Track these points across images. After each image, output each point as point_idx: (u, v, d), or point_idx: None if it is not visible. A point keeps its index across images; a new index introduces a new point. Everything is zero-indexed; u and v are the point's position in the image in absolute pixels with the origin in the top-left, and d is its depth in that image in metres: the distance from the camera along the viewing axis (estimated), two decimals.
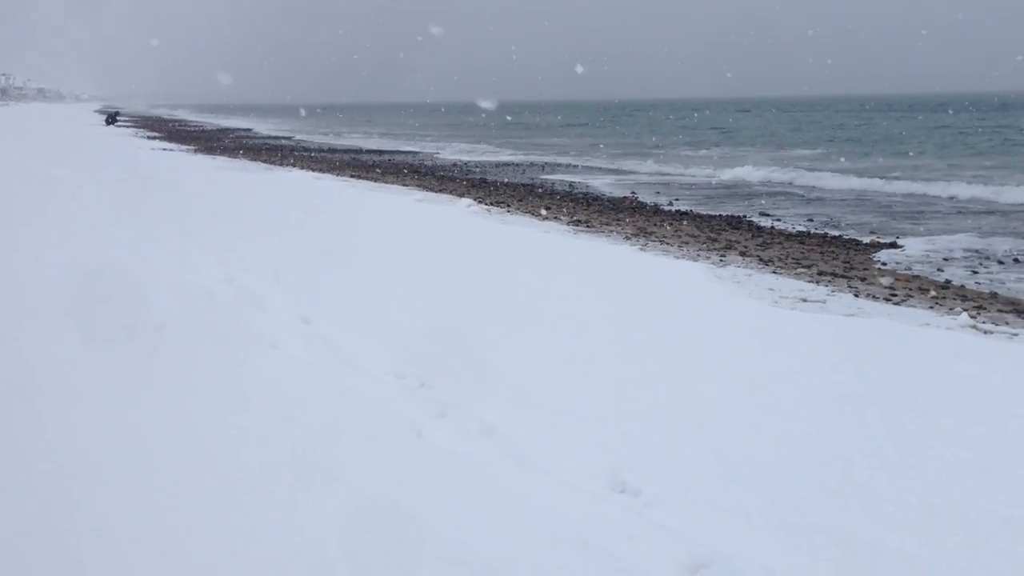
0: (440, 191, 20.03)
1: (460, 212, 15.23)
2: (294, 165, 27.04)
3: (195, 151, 33.45)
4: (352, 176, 23.67)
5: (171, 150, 33.12)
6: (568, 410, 4.97)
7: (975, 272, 11.50)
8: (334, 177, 22.82)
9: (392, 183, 21.98)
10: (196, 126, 67.98)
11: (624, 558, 3.31)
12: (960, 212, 18.29)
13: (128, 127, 56.98)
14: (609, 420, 4.83)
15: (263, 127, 69.73)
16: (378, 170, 27.00)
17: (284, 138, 52.17)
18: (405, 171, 26.97)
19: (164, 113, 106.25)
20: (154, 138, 43.63)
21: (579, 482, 4.07)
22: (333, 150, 39.91)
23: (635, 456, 4.35)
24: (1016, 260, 12.31)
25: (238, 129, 64.70)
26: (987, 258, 12.58)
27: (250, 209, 14.46)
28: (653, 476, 4.12)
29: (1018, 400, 5.38)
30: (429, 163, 32.16)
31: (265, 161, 28.65)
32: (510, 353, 6.16)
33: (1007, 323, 8.50)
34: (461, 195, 18.80)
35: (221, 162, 27.04)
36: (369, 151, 40.29)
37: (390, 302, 7.67)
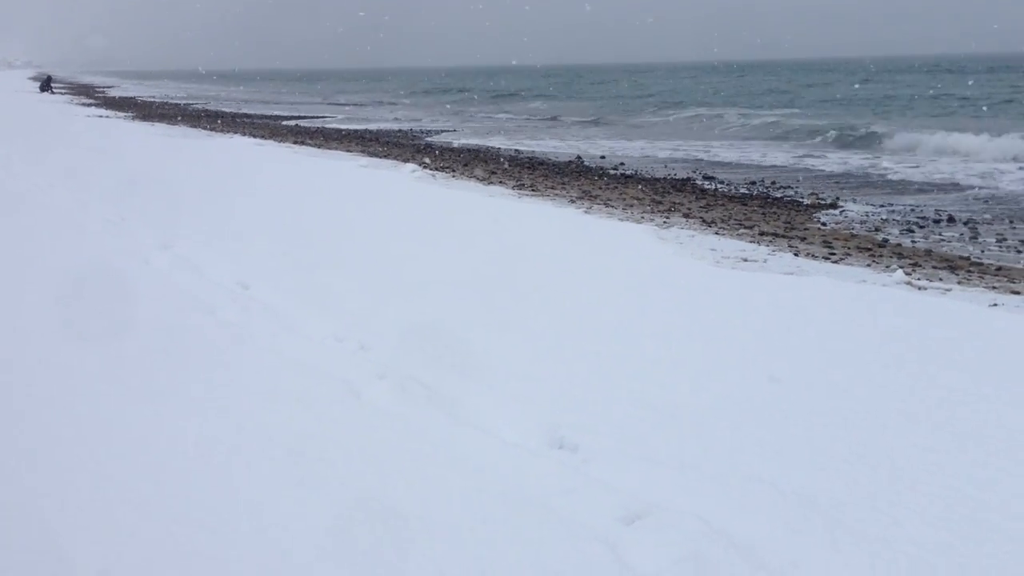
0: (385, 156, 19.82)
1: (404, 177, 15.09)
2: (236, 131, 26.51)
3: (132, 117, 32.63)
4: (295, 142, 23.30)
5: (107, 116, 32.27)
6: (508, 370, 4.96)
7: (911, 231, 11.72)
8: (276, 143, 22.44)
9: (336, 149, 21.69)
10: (159, 99, 66.30)
11: (560, 512, 3.33)
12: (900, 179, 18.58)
13: (64, 94, 55.34)
14: (549, 379, 4.83)
15: (202, 93, 68.23)
16: (321, 136, 26.61)
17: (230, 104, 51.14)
18: (351, 137, 26.62)
19: (100, 81, 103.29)
20: (90, 105, 42.45)
21: (517, 440, 4.07)
22: (277, 117, 39.22)
23: (574, 413, 4.36)
24: (951, 219, 12.57)
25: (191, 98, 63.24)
26: (924, 217, 12.83)
27: (187, 175, 14.16)
28: (591, 432, 4.13)
29: (952, 352, 5.49)
30: (374, 129, 31.75)
31: (206, 128, 28.06)
32: (449, 315, 6.13)
33: (940, 279, 8.69)
34: (406, 160, 18.62)
35: (159, 129, 26.42)
36: (313, 116, 39.67)
37: (331, 266, 7.58)
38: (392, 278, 7.21)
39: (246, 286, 6.79)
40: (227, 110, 44.00)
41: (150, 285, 6.53)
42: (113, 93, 64.23)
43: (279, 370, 4.84)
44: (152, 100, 55.08)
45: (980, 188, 15.91)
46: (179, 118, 33.39)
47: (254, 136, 24.74)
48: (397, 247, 8.55)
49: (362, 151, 21.26)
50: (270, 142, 22.77)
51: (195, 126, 28.86)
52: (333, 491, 3.41)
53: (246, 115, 39.99)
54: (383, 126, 33.19)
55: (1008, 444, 4.01)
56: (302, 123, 34.69)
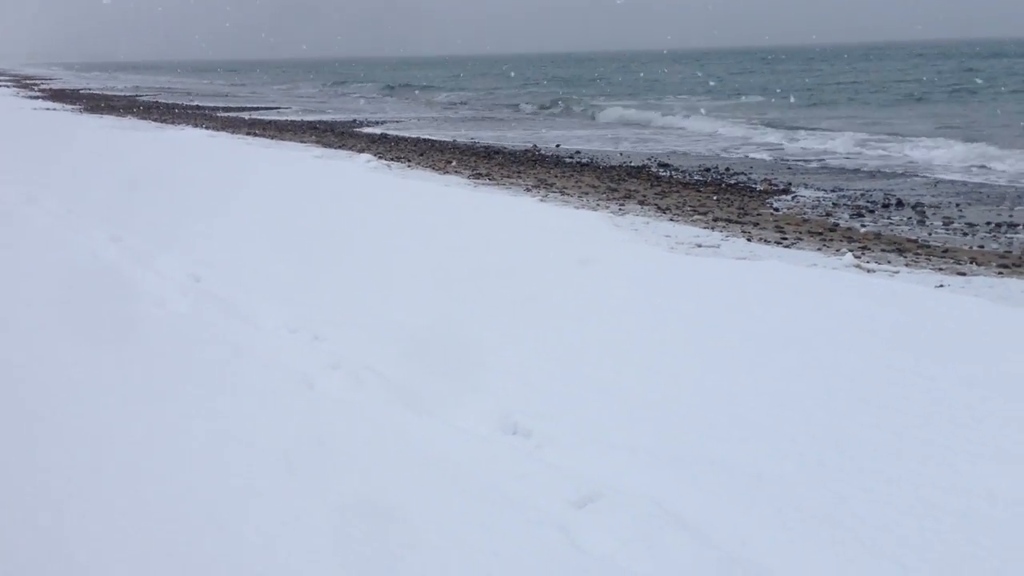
0: (340, 147, 19.66)
1: (359, 167, 14.99)
2: (188, 123, 26.14)
3: (80, 110, 32.02)
4: (248, 134, 23.04)
5: (54, 109, 31.63)
6: (461, 357, 4.97)
7: (861, 215, 11.90)
8: (229, 135, 22.16)
9: (290, 140, 21.48)
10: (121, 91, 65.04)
11: (513, 496, 3.34)
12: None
13: (8, 87, 54.11)
14: (503, 365, 4.85)
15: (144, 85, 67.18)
16: (275, 128, 26.33)
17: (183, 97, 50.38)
18: (305, 129, 26.37)
19: (44, 73, 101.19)
20: (36, 97, 41.57)
21: (471, 426, 4.09)
22: (229, 108, 38.72)
23: (528, 399, 4.38)
24: (899, 203, 12.78)
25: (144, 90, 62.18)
26: (873, 201, 13.04)
27: (137, 166, 13.94)
28: (545, 418, 4.15)
29: (899, 333, 5.59)
30: (328, 120, 31.47)
31: (156, 120, 27.62)
32: (404, 303, 6.12)
33: (889, 262, 8.84)
34: (361, 151, 18.49)
35: (108, 121, 25.96)
36: (267, 108, 39.21)
37: (283, 256, 7.52)
38: (347, 268, 7.17)
39: (198, 278, 6.71)
40: (178, 102, 43.34)
41: (97, 278, 6.42)
42: (58, 85, 62.95)
43: (230, 361, 4.80)
44: (100, 92, 54.08)
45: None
46: (128, 110, 32.82)
47: (206, 128, 24.41)
48: (352, 237, 8.51)
49: (316, 142, 21.08)
50: (223, 133, 22.48)
51: (145, 118, 28.41)
52: (282, 480, 3.39)
53: (197, 107, 39.42)
54: (338, 117, 32.91)
55: (951, 422, 4.11)
56: (255, 115, 34.27)
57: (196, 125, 25.10)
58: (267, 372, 4.67)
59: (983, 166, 16.61)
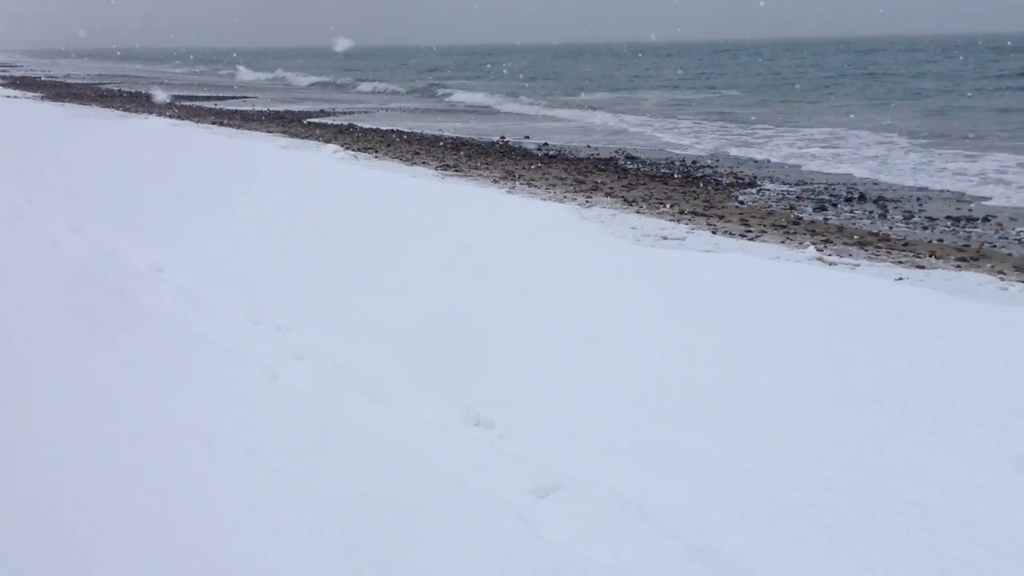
0: (306, 137, 19.53)
1: (325, 158, 14.90)
2: (152, 112, 25.81)
3: (42, 98, 31.52)
4: (214, 123, 22.80)
5: (15, 97, 31.11)
6: (425, 347, 4.97)
7: (824, 209, 12.04)
8: (194, 124, 21.92)
9: (256, 129, 21.29)
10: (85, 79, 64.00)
11: (475, 487, 3.36)
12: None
13: None
14: (465, 356, 4.86)
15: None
16: (240, 117, 26.08)
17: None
18: (271, 119, 26.15)
19: (5, 59, 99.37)
20: None
21: (434, 417, 4.10)
22: (195, 97, 38.28)
23: (491, 390, 4.40)
24: (862, 197, 12.94)
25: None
26: (836, 195, 13.19)
27: (99, 156, 13.75)
28: (508, 408, 4.18)
29: (858, 324, 5.67)
30: (296, 110, 31.22)
31: (120, 108, 27.25)
32: (368, 294, 6.11)
33: (850, 255, 8.96)
34: (328, 141, 18.38)
35: (71, 109, 25.58)
36: (232, 97, 38.80)
37: (248, 246, 7.47)
38: (310, 259, 7.14)
39: (160, 268, 6.65)
40: (142, 90, 42.79)
41: (58, 268, 6.34)
42: (18, 73, 61.89)
43: (193, 351, 4.77)
44: (63, 80, 53.23)
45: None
46: (92, 98, 32.35)
47: (170, 117, 24.12)
48: (317, 228, 8.46)
49: (282, 132, 20.92)
50: (187, 123, 22.23)
51: (108, 106, 28.01)
52: (243, 470, 3.38)
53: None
54: (305, 107, 32.64)
55: (904, 411, 4.18)
56: (220, 104, 33.91)
57: (160, 114, 24.79)
58: (229, 362, 4.64)
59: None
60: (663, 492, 3.41)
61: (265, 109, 31.13)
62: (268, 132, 20.59)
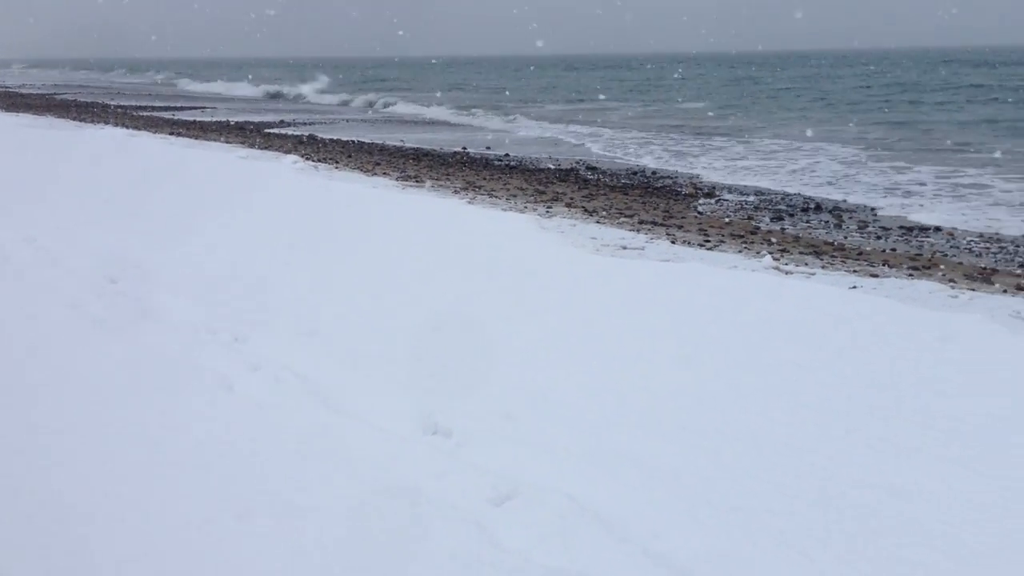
0: (265, 148, 19.40)
1: (285, 168, 14.80)
2: (108, 122, 25.48)
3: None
4: (171, 133, 22.56)
5: None
6: (383, 357, 4.96)
7: (781, 219, 12.20)
8: (151, 134, 21.68)
9: (215, 140, 21.11)
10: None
11: (432, 496, 3.36)
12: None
13: None
14: (423, 365, 4.86)
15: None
16: (198, 128, 25.84)
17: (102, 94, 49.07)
18: (230, 129, 25.94)
19: None
20: None
21: (391, 426, 4.09)
22: (153, 108, 37.86)
23: (448, 399, 4.40)
24: (818, 207, 13.14)
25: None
26: (793, 205, 13.38)
27: (52, 166, 13.55)
28: (465, 417, 4.18)
29: (812, 332, 5.75)
30: (256, 121, 30.99)
31: (75, 118, 26.86)
32: (327, 304, 6.09)
33: (806, 264, 9.08)
34: (287, 152, 18.28)
35: (25, 119, 25.16)
36: (191, 108, 38.41)
37: (205, 256, 7.40)
38: (267, 270, 7.09)
39: (114, 280, 6.56)
40: (99, 100, 42.23)
41: (8, 280, 6.24)
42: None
43: (147, 363, 4.71)
44: (16, 89, 52.40)
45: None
46: (47, 108, 31.86)
47: (127, 127, 23.83)
48: (275, 239, 8.41)
49: (241, 142, 20.75)
50: (144, 133, 21.98)
51: (63, 116, 27.59)
52: (199, 481, 3.35)
53: (119, 106, 38.44)
54: (264, 118, 32.42)
55: (855, 417, 4.25)
56: (178, 114, 33.58)
57: (116, 124, 24.48)
58: (185, 374, 4.59)
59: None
60: (620, 499, 3.43)
61: (224, 119, 30.88)
62: (227, 143, 20.42)
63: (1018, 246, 10.34)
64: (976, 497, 3.46)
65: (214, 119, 31.07)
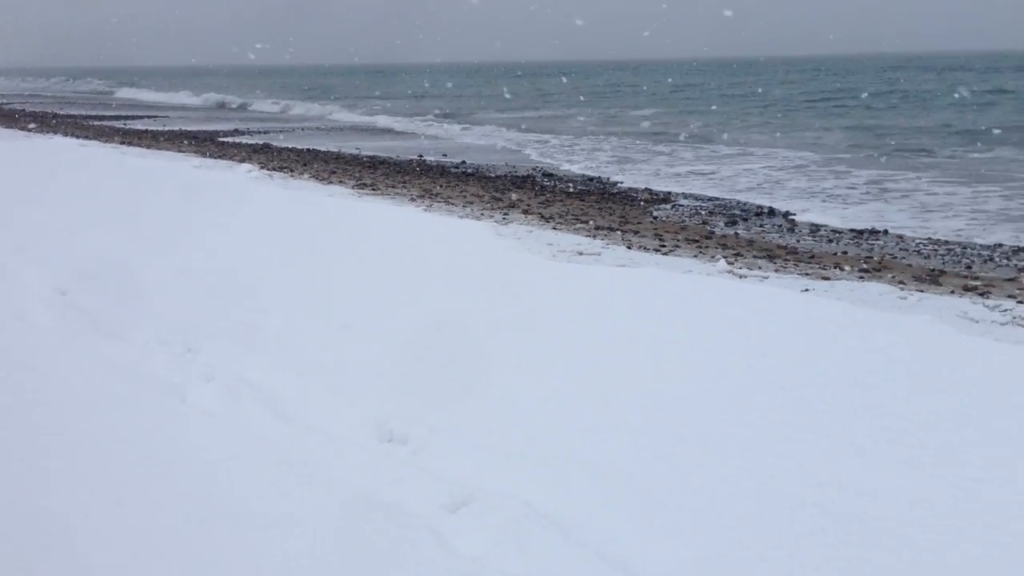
0: (220, 157, 19.22)
1: (240, 177, 14.67)
2: (58, 132, 25.06)
3: None
4: (123, 143, 22.25)
5: None
6: (339, 365, 4.93)
7: (735, 223, 12.35)
8: (101, 143, 21.37)
9: (167, 149, 20.86)
10: None
11: (387, 503, 3.34)
12: None
13: None
14: (379, 372, 4.84)
15: None
16: (150, 137, 25.51)
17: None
18: (183, 138, 25.64)
19: None
20: None
21: (346, 435, 4.06)
22: (103, 117, 37.30)
23: (404, 406, 4.38)
24: (771, 211, 13.32)
25: None
26: (746, 210, 13.55)
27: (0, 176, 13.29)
28: (421, 424, 4.17)
29: (764, 336, 5.82)
30: (210, 130, 30.65)
31: (23, 128, 26.38)
32: (279, 314, 6.03)
33: (759, 267, 9.19)
34: (242, 160, 18.11)
35: None
36: (143, 116, 37.91)
37: (158, 267, 7.30)
38: (220, 278, 7.01)
39: (63, 291, 6.45)
40: (49, 110, 41.53)
41: None
42: None
43: (98, 374, 4.64)
44: None
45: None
46: None
47: (77, 136, 23.47)
48: (227, 247, 8.32)
49: (195, 151, 20.53)
50: (94, 142, 21.66)
51: (11, 126, 27.09)
52: (152, 493, 3.30)
53: (70, 115, 37.82)
54: (218, 127, 32.09)
55: (805, 417, 4.31)
56: (129, 123, 33.13)
57: (66, 134, 24.09)
58: (136, 385, 4.52)
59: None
60: (576, 504, 3.44)
61: (176, 128, 30.52)
62: (180, 151, 20.20)
63: (965, 247, 10.57)
64: (925, 496, 3.52)
65: (166, 128, 30.69)
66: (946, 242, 10.99)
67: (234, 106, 49.68)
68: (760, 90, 51.91)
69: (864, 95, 41.07)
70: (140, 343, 5.35)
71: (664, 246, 10.37)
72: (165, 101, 55.68)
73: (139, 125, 32.04)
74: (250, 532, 3.08)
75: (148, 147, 21.28)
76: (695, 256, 9.77)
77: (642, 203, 14.32)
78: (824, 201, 14.43)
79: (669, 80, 68.94)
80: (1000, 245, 10.69)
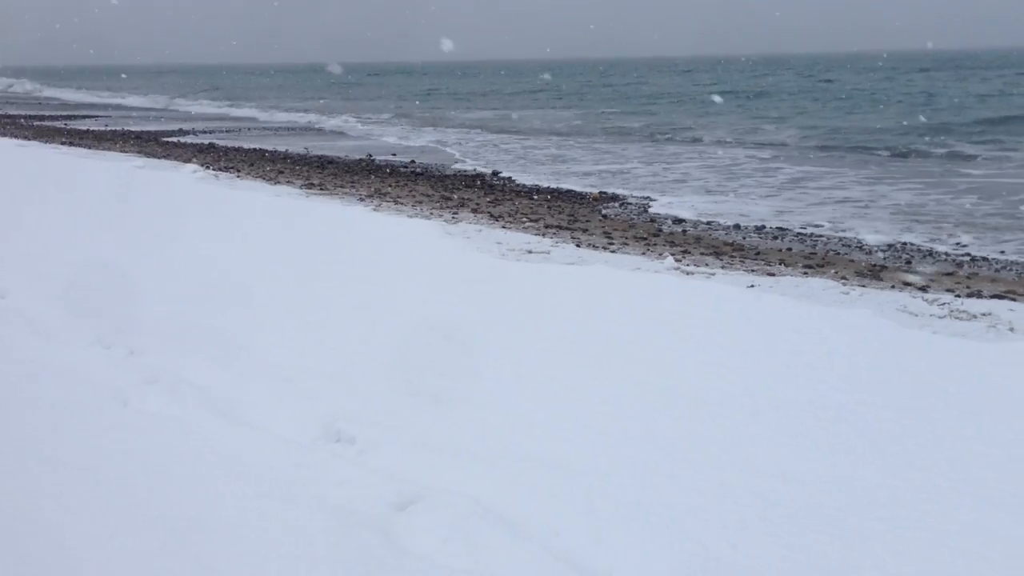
0: (164, 157, 18.91)
1: (184, 178, 14.45)
2: None
3: None
4: (64, 143, 21.78)
5: None
6: (285, 366, 4.89)
7: (683, 221, 12.49)
8: (41, 144, 20.89)
9: (109, 149, 20.47)
10: None
11: (334, 503, 3.33)
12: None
13: None
14: (327, 373, 4.81)
15: None
16: (92, 137, 25.01)
17: None
18: (127, 138, 25.17)
19: None
20: None
21: (293, 435, 4.03)
22: (43, 117, 36.47)
23: (352, 406, 4.36)
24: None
25: None
26: (694, 207, 13.71)
27: None
28: (369, 423, 4.15)
29: (711, 330, 5.90)
30: (153, 130, 30.13)
31: None
32: (225, 314, 5.96)
33: (707, 264, 9.31)
34: (187, 161, 17.84)
35: None
36: (85, 116, 37.14)
37: (99, 269, 7.16)
38: (163, 280, 6.90)
39: (1, 295, 6.31)
40: None
41: None
42: None
43: (38, 379, 4.54)
44: None
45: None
46: None
47: (15, 137, 22.92)
48: (170, 248, 8.19)
49: (139, 152, 20.18)
50: (34, 143, 21.17)
51: None
52: (88, 497, 3.24)
53: (7, 115, 36.93)
54: (162, 127, 31.57)
55: (749, 410, 4.38)
56: (71, 123, 32.44)
57: (3, 134, 23.51)
58: (77, 389, 4.44)
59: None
60: (524, 499, 3.45)
61: (119, 128, 29.97)
62: (123, 152, 19.83)
63: (905, 243, 10.81)
64: (861, 482, 3.61)
65: (108, 128, 30.12)
66: (888, 241, 11.23)
67: (180, 108, 49.18)
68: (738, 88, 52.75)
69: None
70: (82, 346, 5.25)
71: (613, 244, 10.45)
72: (107, 101, 54.67)
73: (82, 125, 31.39)
74: (194, 534, 3.04)
75: (90, 147, 20.87)
76: (643, 253, 9.86)
77: (591, 201, 14.42)
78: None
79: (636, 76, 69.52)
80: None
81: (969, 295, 7.90)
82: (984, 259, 9.85)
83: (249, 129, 31.27)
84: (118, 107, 47.90)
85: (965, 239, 11.03)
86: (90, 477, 3.43)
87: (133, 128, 30.34)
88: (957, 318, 6.88)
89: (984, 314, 7.00)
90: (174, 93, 57.46)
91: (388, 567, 2.92)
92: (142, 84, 71.43)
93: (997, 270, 9.31)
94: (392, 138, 28.01)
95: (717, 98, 40.48)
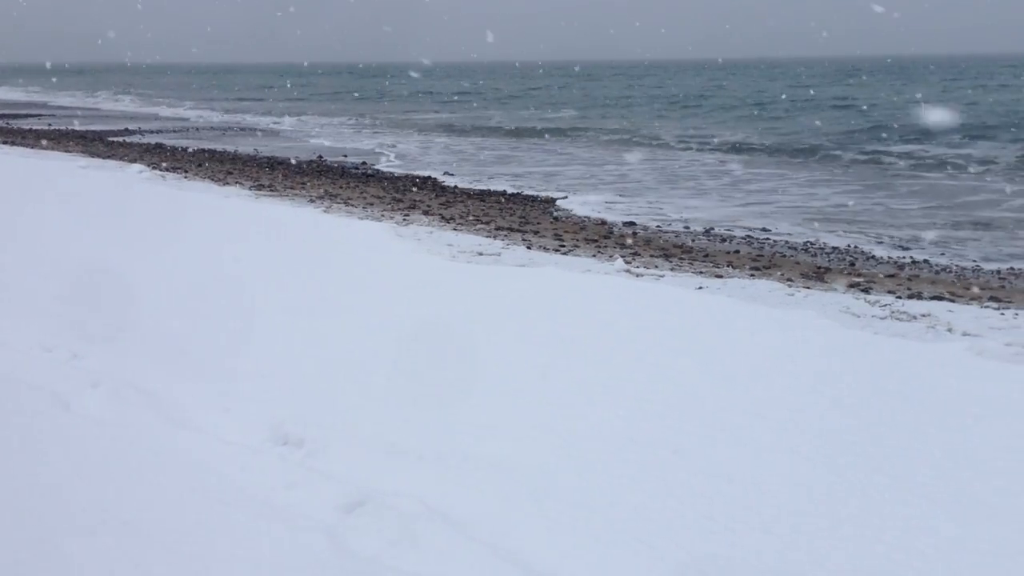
0: (109, 157, 18.58)
1: (130, 178, 14.23)
2: None
3: None
4: (4, 143, 21.29)
5: None
6: (233, 369, 4.85)
7: (634, 224, 12.59)
8: None
9: (52, 149, 20.05)
10: None
11: (280, 506, 3.30)
12: None
13: None
14: (274, 376, 4.78)
15: None
16: (34, 136, 24.47)
17: None
18: (71, 137, 24.68)
19: None
20: None
21: (240, 438, 4.00)
22: None
23: (300, 409, 4.34)
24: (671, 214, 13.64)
25: None
26: (643, 209, 13.84)
27: None
28: (317, 426, 4.13)
29: (659, 331, 5.97)
30: (98, 129, 29.56)
31: None
32: (168, 316, 5.88)
33: (656, 266, 9.40)
34: (133, 160, 17.56)
35: None
36: (27, 115, 36.32)
37: (34, 271, 7.02)
38: (105, 281, 6.78)
39: None
40: None
41: None
42: None
43: None
44: None
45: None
46: None
47: None
48: (112, 249, 8.06)
49: (83, 151, 19.80)
50: None
51: None
52: (28, 504, 3.18)
53: None
54: (108, 126, 30.99)
55: (697, 412, 4.44)
56: (12, 122, 31.71)
57: None
58: (16, 393, 4.35)
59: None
60: (471, 500, 3.46)
61: (63, 127, 29.37)
62: (66, 151, 19.45)
63: (849, 245, 11.02)
64: (802, 481, 3.68)
65: (52, 127, 29.49)
66: (821, 245, 11.44)
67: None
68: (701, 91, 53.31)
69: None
70: (22, 349, 5.14)
71: (563, 246, 10.51)
72: (50, 100, 53.55)
73: (24, 124, 30.69)
74: (138, 539, 3.00)
75: (31, 147, 20.43)
76: (594, 256, 9.93)
77: (543, 203, 14.48)
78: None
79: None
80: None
81: (910, 296, 8.08)
82: (925, 262, 10.08)
83: (198, 129, 30.84)
84: (57, 106, 46.92)
85: (907, 242, 11.29)
86: (29, 485, 3.36)
87: (78, 128, 29.74)
88: (898, 319, 7.04)
89: (924, 315, 7.17)
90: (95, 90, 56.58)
91: (334, 569, 2.91)
92: (73, 83, 70.09)
93: (937, 272, 9.54)
94: (327, 140, 27.79)
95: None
